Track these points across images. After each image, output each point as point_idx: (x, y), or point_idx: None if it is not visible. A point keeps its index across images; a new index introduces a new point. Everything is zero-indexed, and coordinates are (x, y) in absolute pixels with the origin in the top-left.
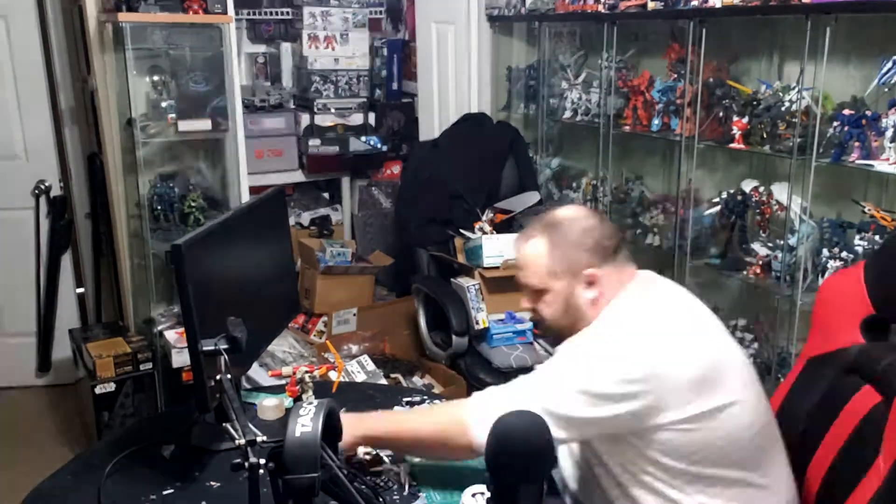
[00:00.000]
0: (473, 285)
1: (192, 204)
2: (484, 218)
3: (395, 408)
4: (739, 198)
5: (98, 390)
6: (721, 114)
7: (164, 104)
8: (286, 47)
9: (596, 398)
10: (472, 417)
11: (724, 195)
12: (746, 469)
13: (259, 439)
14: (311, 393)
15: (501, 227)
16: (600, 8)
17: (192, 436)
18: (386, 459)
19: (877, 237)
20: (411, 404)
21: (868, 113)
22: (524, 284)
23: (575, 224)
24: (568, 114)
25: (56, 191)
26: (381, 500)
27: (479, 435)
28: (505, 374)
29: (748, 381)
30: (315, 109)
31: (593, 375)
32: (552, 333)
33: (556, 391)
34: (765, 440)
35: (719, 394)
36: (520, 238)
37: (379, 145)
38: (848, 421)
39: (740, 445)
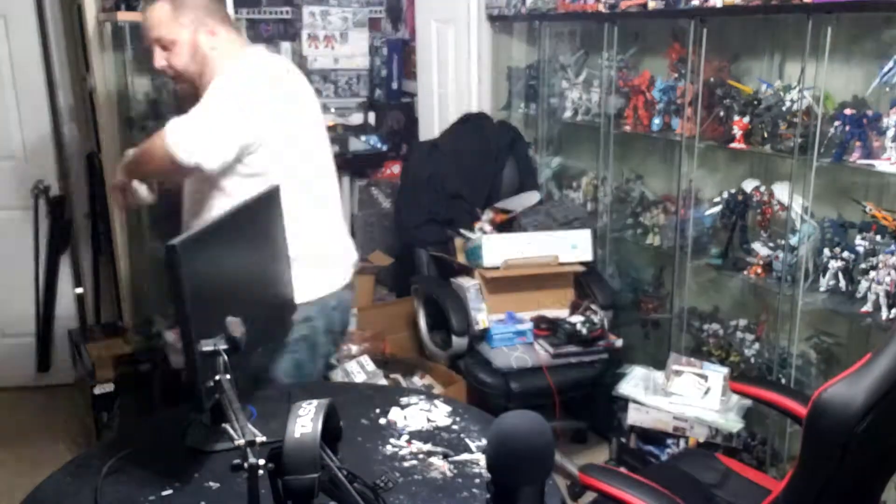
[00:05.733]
0: (473, 285)
1: None
2: (484, 218)
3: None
4: (740, 198)
5: (97, 391)
6: (722, 113)
7: (163, 104)
8: (286, 47)
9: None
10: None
11: (725, 195)
12: None
13: (258, 440)
14: None
15: (501, 227)
16: (601, 7)
17: (190, 436)
18: None
19: (878, 237)
20: (410, 405)
21: (869, 112)
22: (154, 40)
23: None
24: (568, 113)
25: (55, 191)
26: (380, 500)
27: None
28: (505, 375)
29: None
30: None
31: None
32: (187, 88)
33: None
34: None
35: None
36: (144, 6)
37: (379, 145)
38: None
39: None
